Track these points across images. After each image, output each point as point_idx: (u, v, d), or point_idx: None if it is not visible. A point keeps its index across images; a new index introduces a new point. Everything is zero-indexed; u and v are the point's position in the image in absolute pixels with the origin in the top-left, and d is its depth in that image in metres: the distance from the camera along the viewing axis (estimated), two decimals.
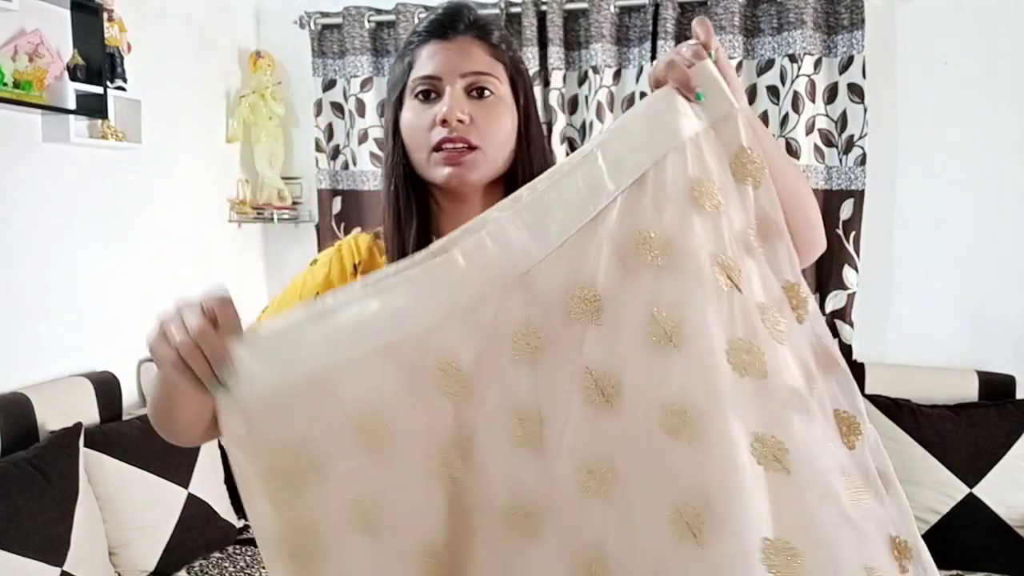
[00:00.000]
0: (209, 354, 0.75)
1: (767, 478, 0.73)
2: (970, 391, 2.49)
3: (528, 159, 1.01)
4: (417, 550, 0.75)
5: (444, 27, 0.99)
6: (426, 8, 2.86)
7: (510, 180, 1.00)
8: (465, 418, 0.75)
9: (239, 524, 2.49)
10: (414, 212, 1.00)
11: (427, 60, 0.98)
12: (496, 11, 2.79)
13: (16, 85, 2.08)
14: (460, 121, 0.95)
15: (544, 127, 2.23)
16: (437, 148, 0.96)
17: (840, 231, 2.61)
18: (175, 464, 2.27)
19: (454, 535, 0.76)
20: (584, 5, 2.71)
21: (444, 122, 0.95)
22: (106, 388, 2.33)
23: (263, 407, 0.75)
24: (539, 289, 0.75)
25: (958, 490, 2.29)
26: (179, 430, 0.89)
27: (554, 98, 2.76)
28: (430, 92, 0.98)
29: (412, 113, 0.99)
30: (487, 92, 0.98)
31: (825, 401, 0.79)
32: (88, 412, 2.24)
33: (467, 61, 0.97)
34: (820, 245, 0.94)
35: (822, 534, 0.74)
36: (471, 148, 0.96)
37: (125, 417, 2.38)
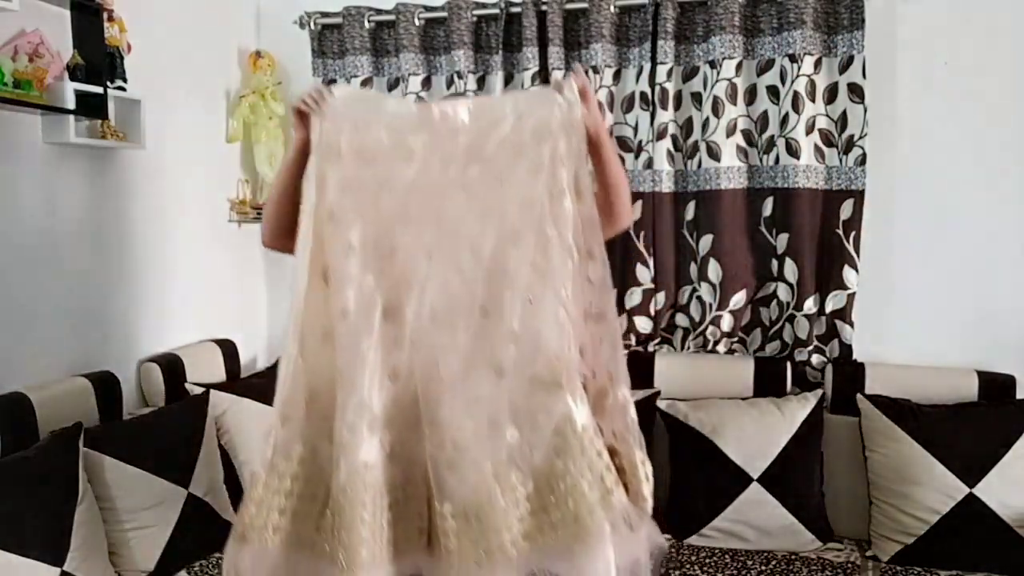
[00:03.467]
0: (317, 97, 1.49)
1: None
2: (970, 391, 2.50)
3: None
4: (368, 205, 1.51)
5: None
6: (426, 8, 2.86)
7: None
8: (402, 170, 1.50)
9: None
10: None
11: None
12: (496, 11, 2.79)
13: (16, 85, 2.08)
14: None
15: None
16: None
17: (840, 231, 2.61)
18: (175, 464, 2.27)
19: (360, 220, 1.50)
20: (584, 5, 2.71)
21: None
22: (106, 388, 2.33)
23: (331, 121, 1.49)
24: (461, 138, 1.50)
25: (958, 490, 2.28)
26: (281, 198, 1.58)
27: None
28: None
29: None
30: None
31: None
32: (88, 412, 2.24)
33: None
34: (628, 218, 1.71)
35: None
36: None
37: (125, 417, 2.38)
